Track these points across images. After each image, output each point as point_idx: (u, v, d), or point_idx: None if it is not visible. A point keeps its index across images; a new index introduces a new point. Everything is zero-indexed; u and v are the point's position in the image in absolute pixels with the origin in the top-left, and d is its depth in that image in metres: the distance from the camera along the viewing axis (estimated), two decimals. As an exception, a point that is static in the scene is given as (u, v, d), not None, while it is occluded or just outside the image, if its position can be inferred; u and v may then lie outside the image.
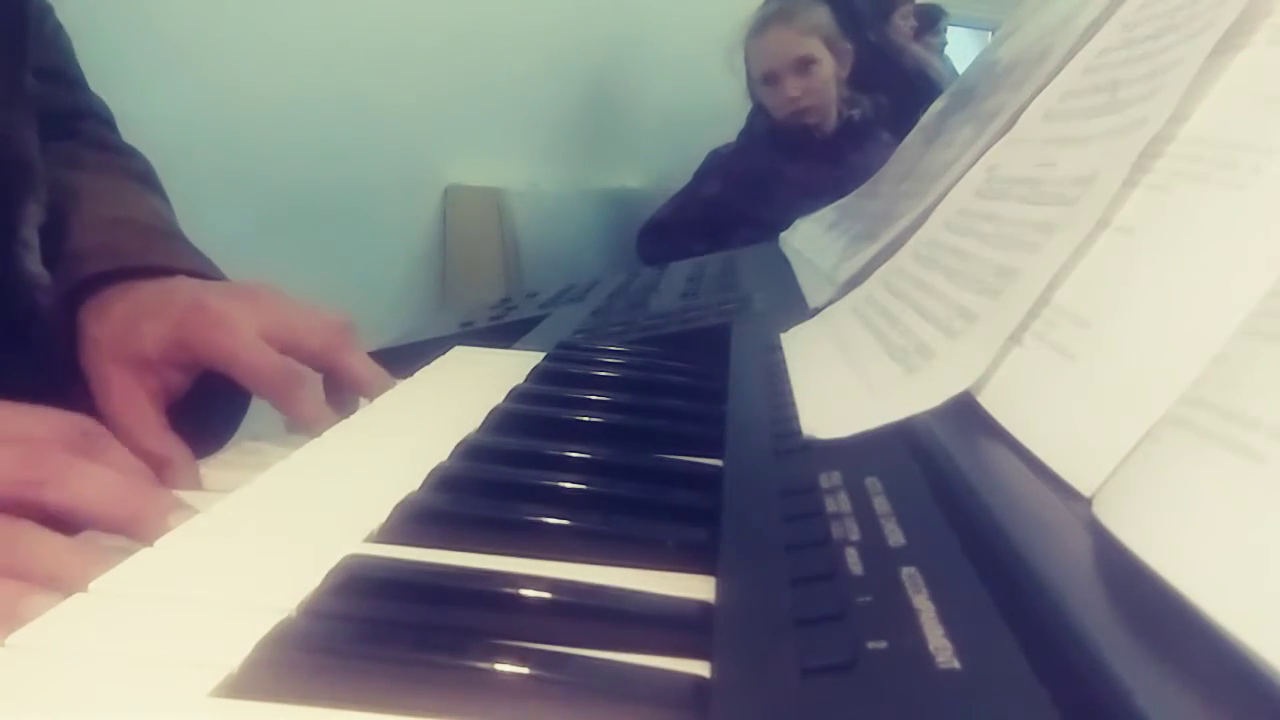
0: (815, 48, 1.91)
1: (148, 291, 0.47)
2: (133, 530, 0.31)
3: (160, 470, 0.38)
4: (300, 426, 0.43)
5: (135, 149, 0.61)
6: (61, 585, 0.26)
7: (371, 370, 0.47)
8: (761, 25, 1.93)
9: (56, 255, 0.49)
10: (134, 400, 0.43)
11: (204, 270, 0.50)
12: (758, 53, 1.94)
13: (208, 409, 0.47)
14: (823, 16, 1.93)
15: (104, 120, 0.63)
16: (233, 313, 0.44)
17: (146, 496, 0.31)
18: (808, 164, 1.86)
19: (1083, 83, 0.41)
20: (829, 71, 1.92)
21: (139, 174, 0.59)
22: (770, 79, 1.92)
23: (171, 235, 0.53)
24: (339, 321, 0.47)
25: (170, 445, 0.41)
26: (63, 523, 0.31)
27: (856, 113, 1.94)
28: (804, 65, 1.90)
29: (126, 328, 0.45)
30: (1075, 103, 0.41)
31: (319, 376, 0.47)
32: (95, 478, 0.31)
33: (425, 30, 1.70)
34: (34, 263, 0.48)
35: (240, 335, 0.43)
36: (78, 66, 0.63)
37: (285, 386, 0.43)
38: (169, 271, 0.48)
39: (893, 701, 0.18)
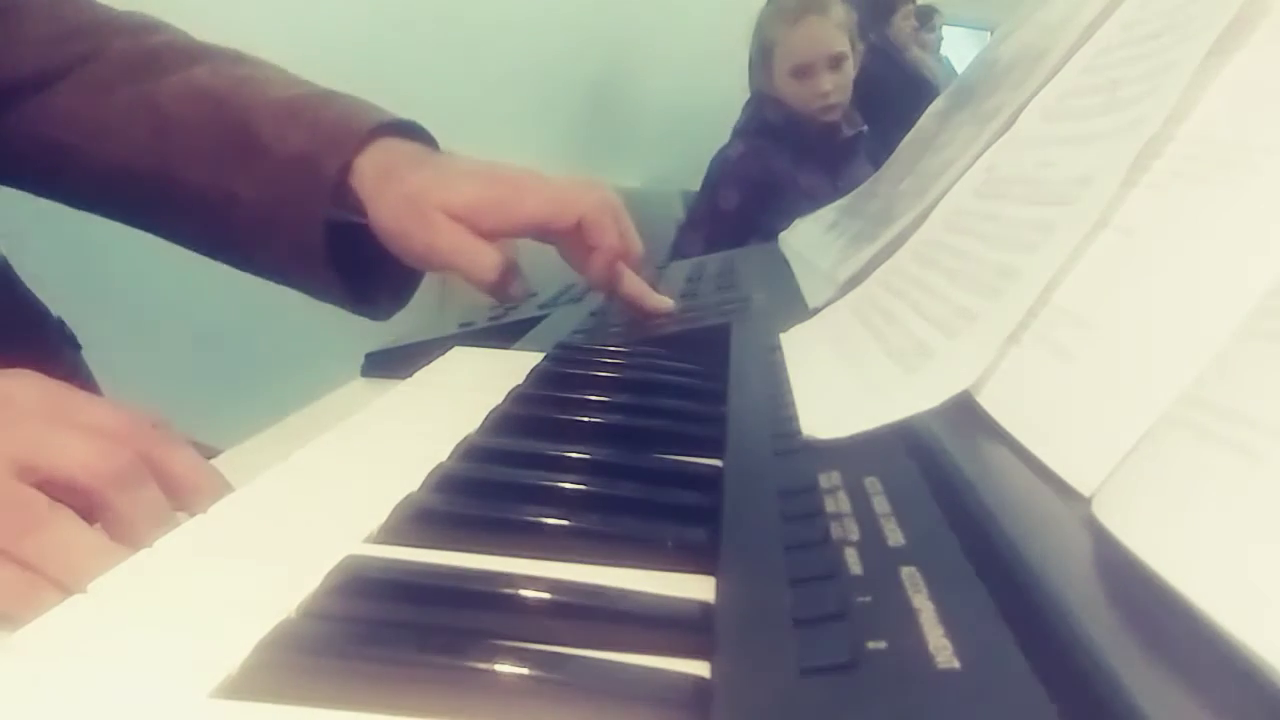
0: (846, 43, 1.87)
1: (424, 156, 0.55)
2: (192, 502, 0.32)
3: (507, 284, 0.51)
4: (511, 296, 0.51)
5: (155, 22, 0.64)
6: (73, 587, 0.26)
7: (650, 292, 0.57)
8: (797, 15, 1.85)
9: (255, 167, 0.53)
10: (460, 230, 0.51)
11: (408, 122, 0.59)
12: (791, 44, 1.86)
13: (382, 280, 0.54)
14: (848, 11, 1.89)
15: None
16: (544, 183, 0.54)
17: (207, 472, 0.33)
18: (820, 165, 1.84)
19: (1082, 82, 0.41)
20: (853, 69, 1.89)
21: (210, 49, 0.64)
22: (803, 72, 1.85)
23: (336, 94, 0.59)
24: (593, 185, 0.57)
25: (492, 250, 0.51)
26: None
27: (865, 129, 1.91)
28: (838, 61, 1.84)
29: (436, 184, 0.52)
30: (1074, 102, 0.41)
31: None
32: (150, 500, 0.32)
33: (425, 30, 1.70)
34: None
35: (542, 203, 0.52)
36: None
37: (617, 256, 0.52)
38: (394, 126, 0.56)
39: (893, 701, 0.18)
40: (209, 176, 0.54)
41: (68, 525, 0.30)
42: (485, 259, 0.51)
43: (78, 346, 0.71)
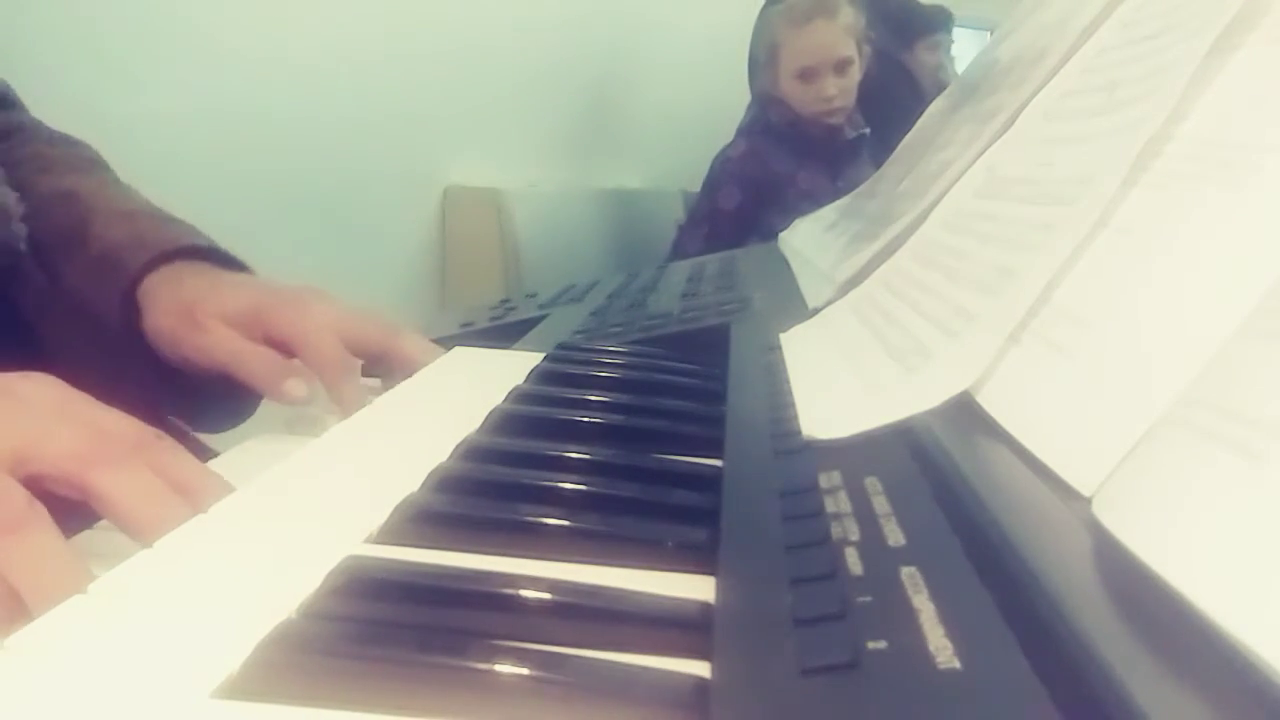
0: (853, 48, 1.86)
1: (212, 275, 0.53)
2: (143, 537, 0.31)
3: (279, 374, 0.46)
4: (335, 409, 0.47)
5: (65, 134, 0.65)
6: (32, 606, 0.26)
7: (425, 348, 0.53)
8: (805, 18, 1.83)
9: (86, 255, 0.53)
10: (231, 334, 0.48)
11: (220, 250, 0.56)
12: (797, 46, 1.84)
13: (216, 401, 0.52)
14: (856, 16, 1.88)
15: (22, 108, 0.67)
16: (306, 299, 0.50)
17: (175, 516, 0.31)
18: (822, 166, 1.84)
19: (1081, 82, 0.41)
20: (858, 74, 1.88)
21: (97, 161, 0.64)
22: (808, 75, 1.83)
23: (176, 220, 0.57)
24: (388, 321, 0.53)
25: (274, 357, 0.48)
26: (88, 508, 0.32)
27: (867, 131, 1.91)
28: (844, 66, 1.83)
29: (210, 292, 0.51)
30: (1074, 102, 0.41)
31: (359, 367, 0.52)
32: (140, 483, 0.32)
33: (425, 31, 1.70)
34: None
35: (310, 319, 0.49)
36: None
37: (339, 372, 0.48)
38: (197, 250, 0.54)
39: (893, 701, 0.18)
40: (45, 256, 0.55)
41: (40, 532, 0.29)
42: (258, 362, 0.47)
43: None
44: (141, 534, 0.31)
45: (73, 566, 0.29)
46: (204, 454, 0.43)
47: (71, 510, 0.32)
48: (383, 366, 0.52)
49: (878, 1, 2.01)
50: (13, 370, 0.36)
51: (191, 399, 0.54)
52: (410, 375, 0.50)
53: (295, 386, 0.46)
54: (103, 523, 0.33)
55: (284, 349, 0.49)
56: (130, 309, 0.52)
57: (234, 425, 0.49)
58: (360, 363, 0.50)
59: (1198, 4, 0.33)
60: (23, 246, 0.52)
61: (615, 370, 0.49)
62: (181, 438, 0.50)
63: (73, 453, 0.32)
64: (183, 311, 0.50)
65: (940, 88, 2.41)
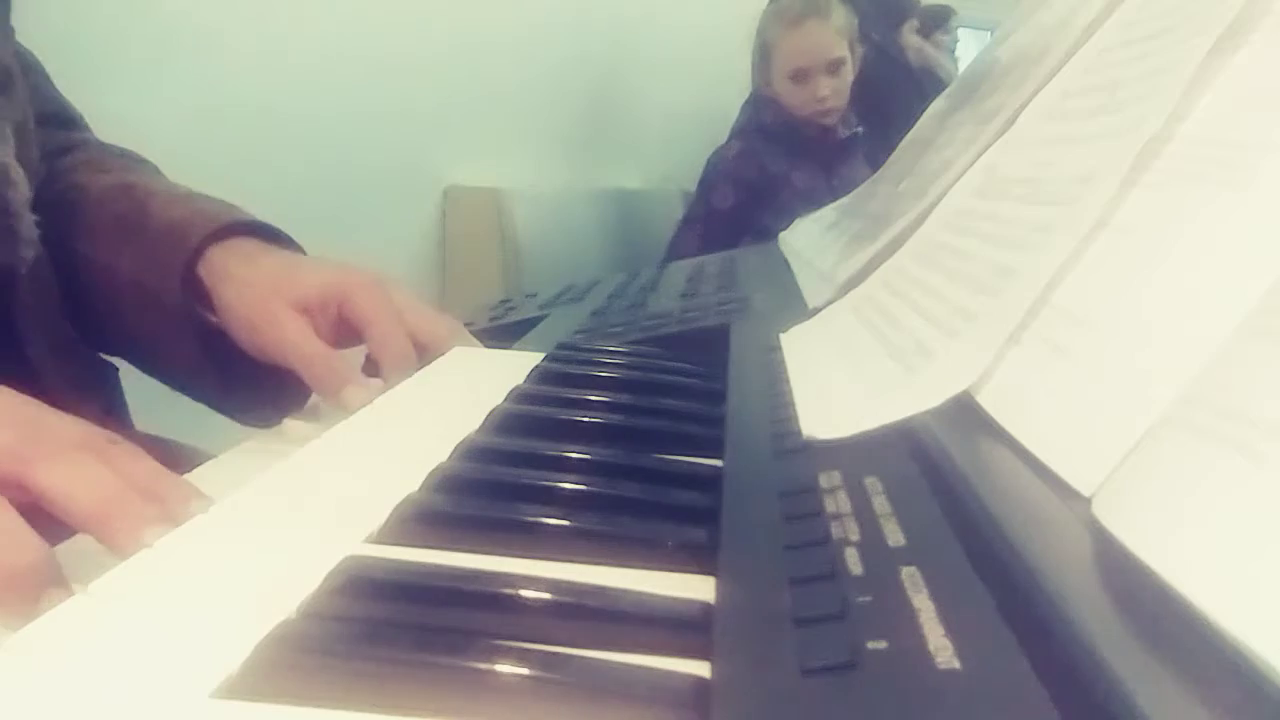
0: (845, 49, 1.87)
1: (282, 254, 0.53)
2: (102, 534, 0.30)
3: (340, 382, 0.46)
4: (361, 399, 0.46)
5: (125, 148, 0.66)
6: None
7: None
8: (797, 19, 1.84)
9: (135, 240, 0.53)
10: (305, 330, 0.49)
11: (282, 231, 0.57)
12: (789, 47, 1.85)
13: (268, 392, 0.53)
14: (848, 16, 1.89)
15: (87, 127, 0.67)
16: (389, 288, 0.52)
17: (129, 505, 0.31)
18: (816, 165, 1.84)
19: (1082, 83, 0.41)
20: (851, 74, 1.89)
21: (152, 167, 0.64)
22: (800, 76, 1.84)
23: (234, 205, 0.57)
24: (455, 324, 0.55)
25: (342, 364, 0.48)
26: (41, 510, 0.31)
27: (861, 130, 1.91)
28: (836, 66, 1.84)
29: (287, 272, 0.51)
30: (1074, 103, 0.41)
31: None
32: (86, 472, 0.31)
33: (425, 31, 1.69)
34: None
35: (390, 310, 0.50)
36: (54, 90, 0.66)
37: (400, 362, 0.49)
38: (257, 226, 0.55)
39: (893, 701, 0.18)
40: (98, 250, 0.54)
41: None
42: (324, 368, 0.47)
43: None
44: (97, 527, 0.30)
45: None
46: (200, 458, 0.43)
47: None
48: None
49: None
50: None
51: (244, 388, 0.53)
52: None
53: (354, 395, 0.46)
54: None
55: (354, 329, 0.50)
56: (192, 283, 0.51)
57: (278, 419, 0.49)
58: (416, 363, 0.51)
59: (1198, 4, 0.33)
60: (24, 270, 0.51)
61: (615, 370, 0.49)
62: (161, 445, 0.50)
63: (11, 452, 0.31)
64: (258, 300, 0.50)
65: (929, 73, 2.41)
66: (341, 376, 0.47)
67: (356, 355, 0.51)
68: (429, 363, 0.52)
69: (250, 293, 0.50)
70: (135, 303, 0.53)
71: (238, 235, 0.53)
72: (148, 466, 0.33)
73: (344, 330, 0.51)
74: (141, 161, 0.64)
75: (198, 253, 0.51)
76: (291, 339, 0.48)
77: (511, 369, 0.48)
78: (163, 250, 0.52)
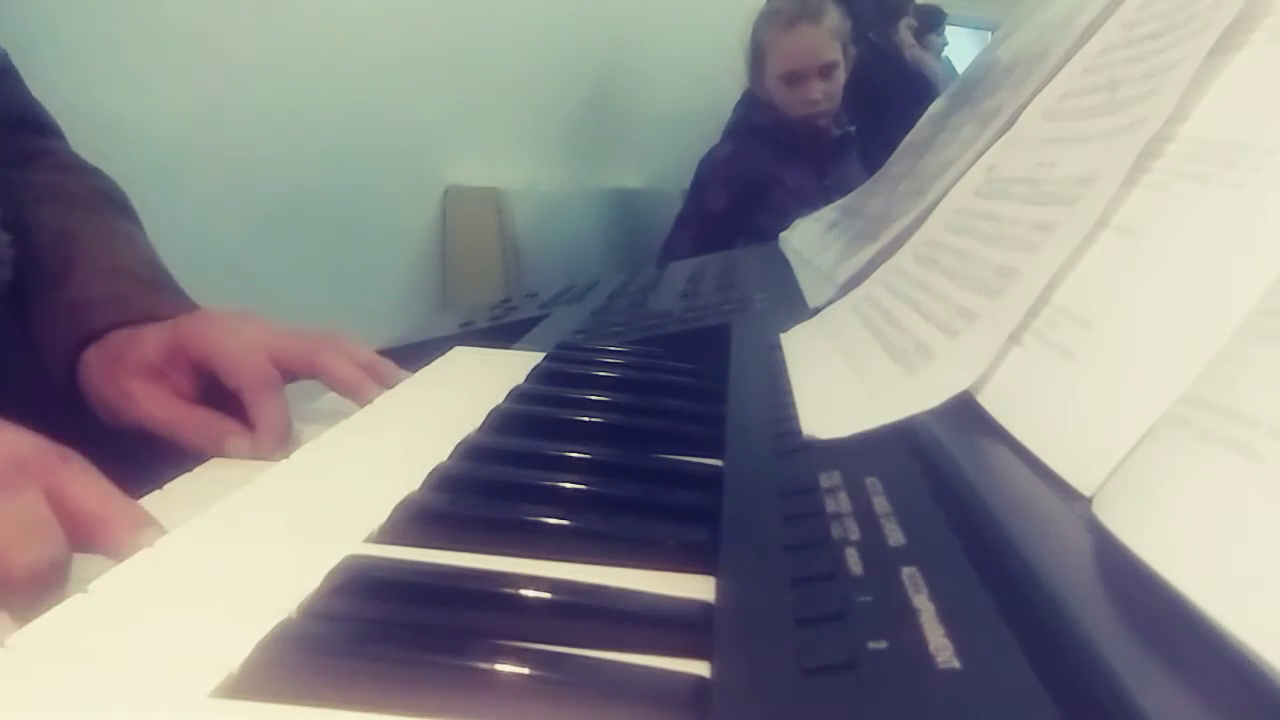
0: (838, 52, 1.86)
1: (135, 329, 0.50)
2: (102, 538, 0.30)
3: (217, 435, 0.43)
4: (256, 444, 0.43)
5: (95, 166, 0.64)
6: None
7: (353, 374, 0.48)
8: (790, 22, 1.84)
9: (57, 300, 0.52)
10: (160, 398, 0.46)
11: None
12: (782, 50, 1.85)
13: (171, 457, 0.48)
14: (841, 19, 1.88)
15: (60, 135, 0.66)
16: (227, 320, 0.48)
17: (121, 506, 0.31)
18: (808, 164, 1.85)
19: (1082, 82, 0.41)
20: (843, 76, 1.88)
21: (115, 200, 0.62)
22: (793, 79, 1.84)
23: (166, 285, 0.56)
24: (324, 333, 0.50)
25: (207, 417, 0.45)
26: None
27: (853, 129, 1.91)
28: (829, 70, 1.84)
29: (130, 341, 0.48)
30: (1075, 102, 0.41)
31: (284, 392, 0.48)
32: (85, 480, 0.31)
33: (425, 31, 1.70)
34: None
35: (232, 336, 0.47)
36: (25, 93, 0.65)
37: (262, 389, 0.45)
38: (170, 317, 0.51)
39: (893, 701, 0.18)
40: (27, 294, 0.53)
41: None
42: (193, 429, 0.45)
43: None
44: (99, 530, 0.30)
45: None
46: (193, 461, 0.42)
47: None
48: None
49: None
50: None
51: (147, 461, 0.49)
52: (341, 394, 0.48)
53: (237, 444, 0.43)
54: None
55: (209, 373, 0.46)
56: (72, 372, 0.50)
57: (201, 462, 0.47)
58: (282, 383, 0.47)
59: (1198, 4, 0.33)
60: (2, 292, 0.50)
61: (615, 370, 0.49)
62: (144, 450, 0.49)
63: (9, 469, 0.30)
64: (107, 380, 0.48)
65: (919, 72, 2.41)
66: (216, 429, 0.44)
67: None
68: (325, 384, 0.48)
69: (96, 375, 0.48)
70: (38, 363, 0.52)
71: (127, 327, 0.50)
72: (99, 490, 0.32)
73: (205, 378, 0.47)
74: (99, 190, 0.61)
75: (82, 344, 0.50)
76: (145, 411, 0.46)
77: (511, 369, 0.48)
78: (60, 326, 0.51)
